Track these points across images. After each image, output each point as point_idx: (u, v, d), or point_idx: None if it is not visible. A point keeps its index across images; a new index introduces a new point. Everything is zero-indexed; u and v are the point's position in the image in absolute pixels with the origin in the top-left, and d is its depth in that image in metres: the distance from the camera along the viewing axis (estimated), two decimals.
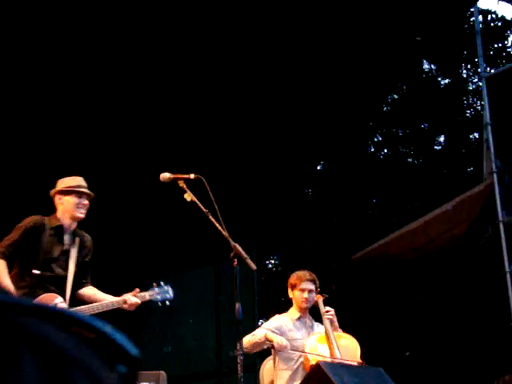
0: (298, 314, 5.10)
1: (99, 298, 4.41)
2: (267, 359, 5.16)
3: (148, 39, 6.42)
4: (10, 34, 5.88)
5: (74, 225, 4.48)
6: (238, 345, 3.65)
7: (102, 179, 8.13)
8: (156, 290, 4.58)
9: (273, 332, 4.94)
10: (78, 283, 4.49)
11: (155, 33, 6.37)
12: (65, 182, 4.49)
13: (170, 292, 4.60)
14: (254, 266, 3.74)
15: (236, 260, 3.70)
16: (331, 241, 12.17)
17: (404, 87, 12.91)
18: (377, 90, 10.43)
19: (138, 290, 4.49)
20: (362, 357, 4.91)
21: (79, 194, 4.45)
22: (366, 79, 8.46)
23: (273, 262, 15.34)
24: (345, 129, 10.92)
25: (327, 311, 5.01)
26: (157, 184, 4.11)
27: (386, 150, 13.82)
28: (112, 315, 4.39)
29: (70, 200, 4.43)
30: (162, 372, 5.12)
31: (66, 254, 4.41)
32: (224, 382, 9.36)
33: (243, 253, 3.72)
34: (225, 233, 3.76)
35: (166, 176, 4.02)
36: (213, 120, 7.95)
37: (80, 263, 4.48)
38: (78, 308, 4.29)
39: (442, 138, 13.75)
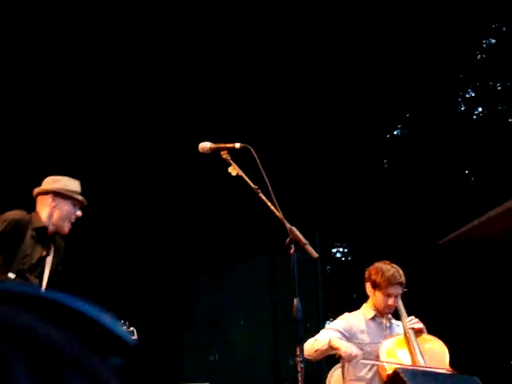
0: (372, 313, 5.10)
1: None
2: (335, 368, 5.18)
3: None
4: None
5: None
6: (298, 350, 3.64)
7: (135, 162, 8.32)
8: None
9: (341, 334, 4.94)
10: None
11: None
12: (62, 183, 4.52)
13: (134, 333, 4.61)
14: (315, 254, 3.72)
15: (293, 246, 3.69)
16: (412, 222, 12.09)
17: (503, 28, 12.64)
18: (469, 34, 10.24)
19: None
20: (451, 363, 4.90)
21: (75, 203, 4.52)
22: (455, 20, 8.32)
23: (340, 249, 15.34)
24: (428, 83, 10.77)
25: (409, 320, 4.99)
26: (197, 157, 4.14)
27: (480, 109, 13.60)
28: (146, 314, 4.50)
29: (66, 207, 4.49)
30: None
31: (43, 261, 4.49)
32: None
33: (302, 238, 3.68)
34: (279, 214, 3.74)
35: (206, 146, 4.03)
36: (262, 78, 7.97)
37: (52, 272, 4.55)
38: None
39: None
